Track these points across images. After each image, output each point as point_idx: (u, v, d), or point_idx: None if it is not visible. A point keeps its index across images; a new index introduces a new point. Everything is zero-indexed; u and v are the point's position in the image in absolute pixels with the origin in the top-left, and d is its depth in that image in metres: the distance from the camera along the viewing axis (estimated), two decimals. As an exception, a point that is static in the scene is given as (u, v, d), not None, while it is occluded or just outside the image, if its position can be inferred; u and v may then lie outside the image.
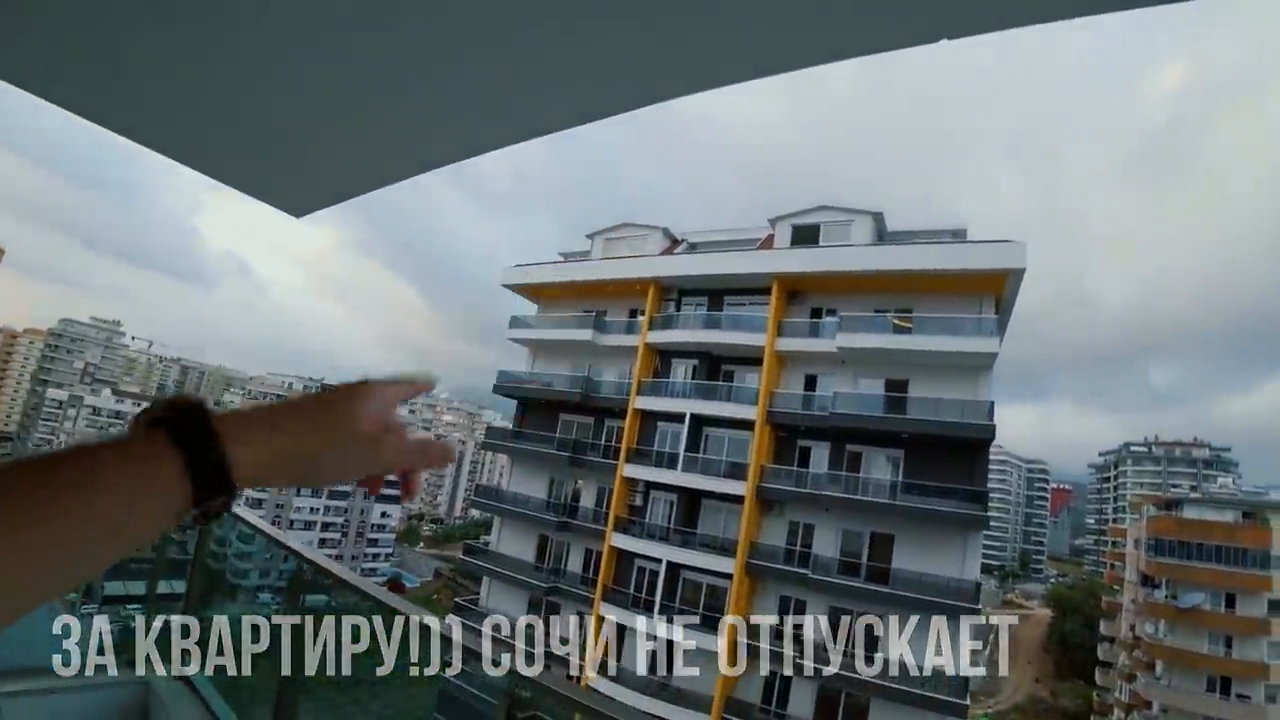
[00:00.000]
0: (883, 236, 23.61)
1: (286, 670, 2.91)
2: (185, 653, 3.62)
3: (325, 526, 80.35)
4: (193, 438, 0.47)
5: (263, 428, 0.54)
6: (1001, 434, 20.69)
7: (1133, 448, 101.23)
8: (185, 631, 3.71)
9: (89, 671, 3.31)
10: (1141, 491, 77.91)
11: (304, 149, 2.07)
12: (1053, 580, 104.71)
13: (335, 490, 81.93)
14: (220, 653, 3.84)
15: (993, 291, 20.57)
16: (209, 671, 3.52)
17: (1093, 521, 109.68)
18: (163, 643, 3.70)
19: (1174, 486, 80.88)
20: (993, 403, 19.85)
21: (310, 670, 3.36)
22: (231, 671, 3.54)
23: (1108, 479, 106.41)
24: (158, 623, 3.83)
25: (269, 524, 3.38)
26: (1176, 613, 38.00)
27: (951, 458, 19.89)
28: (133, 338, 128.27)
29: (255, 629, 3.41)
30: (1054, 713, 60.06)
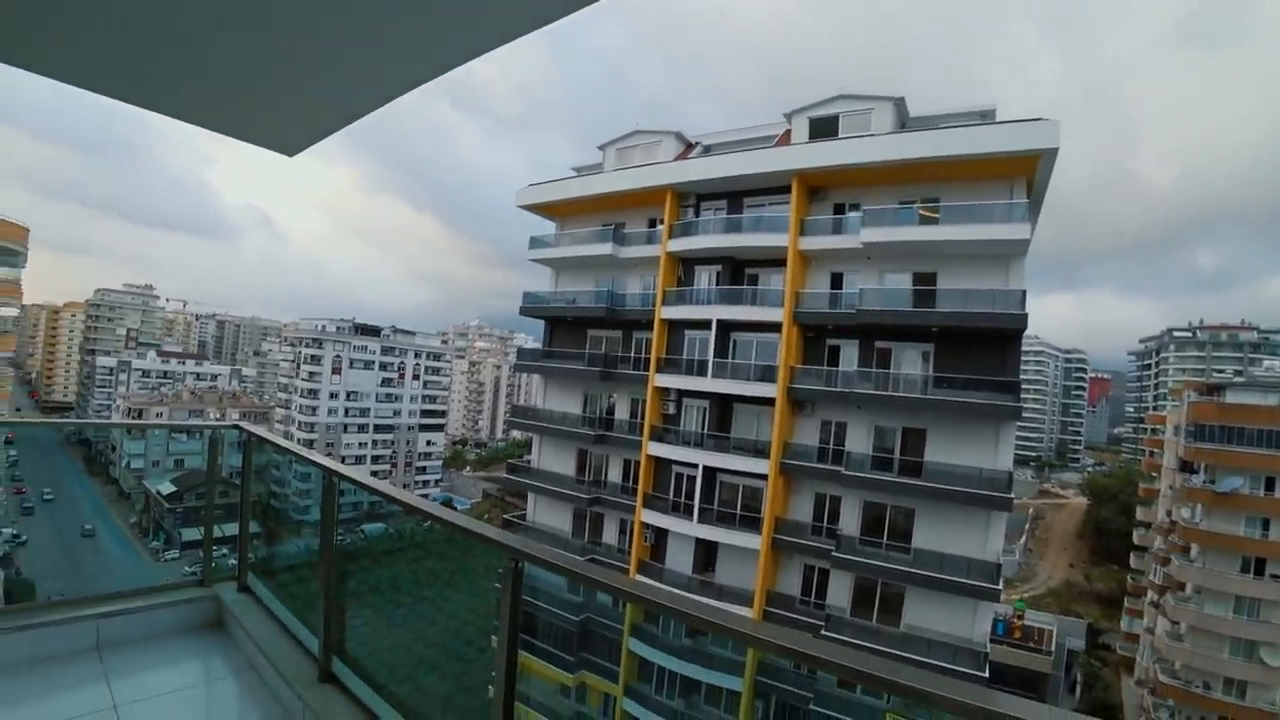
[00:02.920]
0: (905, 124, 22.56)
1: (333, 584, 3.28)
2: (246, 571, 4.26)
3: (375, 459, 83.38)
4: None
5: None
6: (1038, 324, 20.34)
7: (1175, 333, 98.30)
8: (246, 556, 4.34)
9: (169, 596, 4.02)
10: (1184, 378, 76.41)
11: (284, 86, 2.07)
12: (1090, 469, 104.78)
13: (380, 424, 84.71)
14: (274, 569, 4.36)
15: (1024, 175, 19.67)
16: (268, 586, 4.15)
17: (1132, 410, 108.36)
18: (228, 564, 4.42)
19: (1218, 372, 79.00)
20: (1024, 291, 19.33)
21: (356, 583, 3.79)
22: (284, 584, 4.09)
23: (1148, 366, 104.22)
24: (226, 552, 4.56)
25: (324, 456, 3.70)
26: (1214, 497, 37.87)
27: (983, 349, 19.67)
28: (167, 299, 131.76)
29: (308, 549, 3.86)
30: (1089, 596, 61.50)
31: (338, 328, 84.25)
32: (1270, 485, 36.58)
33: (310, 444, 73.58)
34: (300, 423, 79.07)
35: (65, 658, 3.43)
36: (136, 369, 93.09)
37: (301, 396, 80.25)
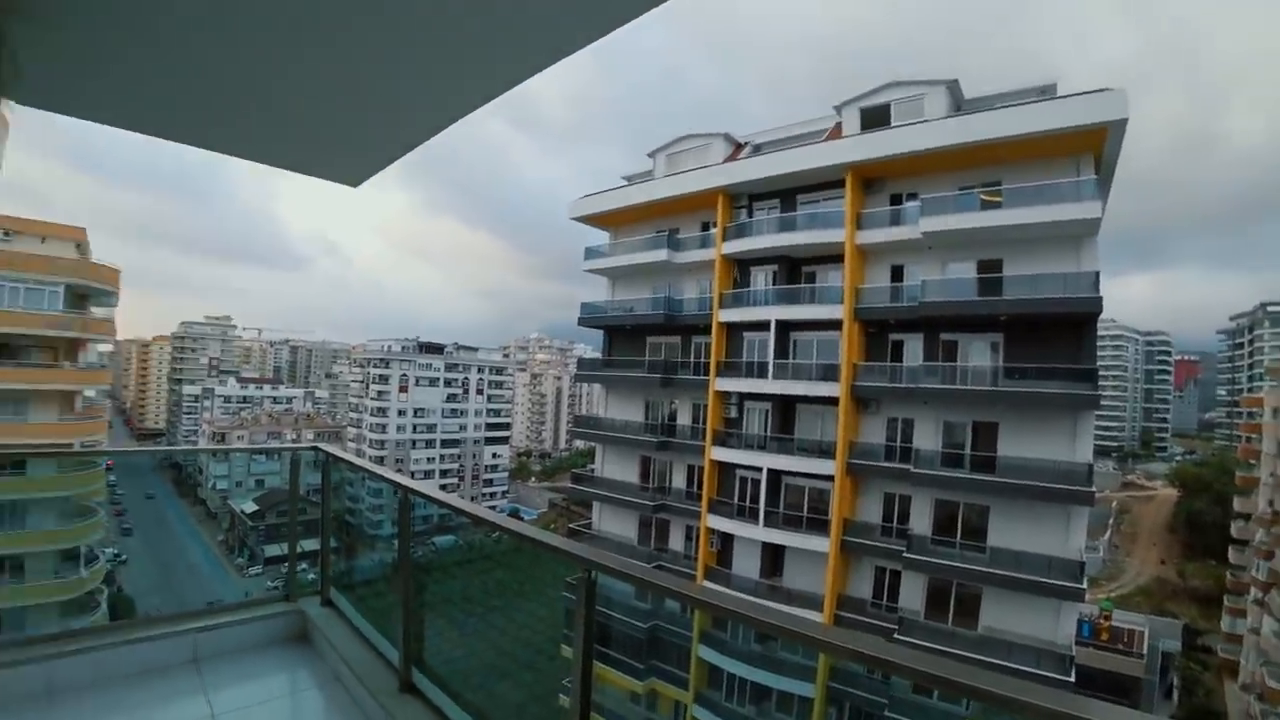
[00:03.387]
0: (960, 107, 21.92)
1: (412, 595, 3.44)
2: (328, 585, 4.47)
3: (443, 474, 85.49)
4: None
5: None
6: (1115, 307, 19.44)
7: (1270, 308, 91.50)
8: (328, 571, 4.54)
9: (258, 611, 4.25)
10: (1280, 356, 71.43)
11: (346, 121, 2.22)
12: (1179, 458, 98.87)
13: (447, 439, 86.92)
14: (354, 584, 4.61)
15: (1091, 150, 18.77)
16: (349, 599, 4.35)
17: (1224, 393, 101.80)
18: (309, 579, 4.66)
19: (1319, 347, 73.69)
20: (1098, 273, 18.45)
21: (431, 595, 3.97)
22: (364, 598, 4.31)
23: (1241, 345, 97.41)
24: (305, 567, 4.81)
25: (395, 472, 3.91)
26: (1323, 481, 35.34)
27: (1055, 336, 18.90)
28: (243, 328, 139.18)
29: (384, 563, 4.09)
30: (1183, 594, 57.92)
31: (403, 347, 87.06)
32: (1385, 469, 33.85)
33: (381, 460, 76.07)
34: (371, 440, 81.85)
35: (165, 670, 3.66)
36: (219, 395, 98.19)
37: (371, 415, 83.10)
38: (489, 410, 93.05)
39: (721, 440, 24.65)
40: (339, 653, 3.71)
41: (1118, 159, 19.92)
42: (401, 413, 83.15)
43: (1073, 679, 17.50)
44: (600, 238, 31.12)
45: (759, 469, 23.31)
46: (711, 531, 24.59)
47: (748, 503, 23.85)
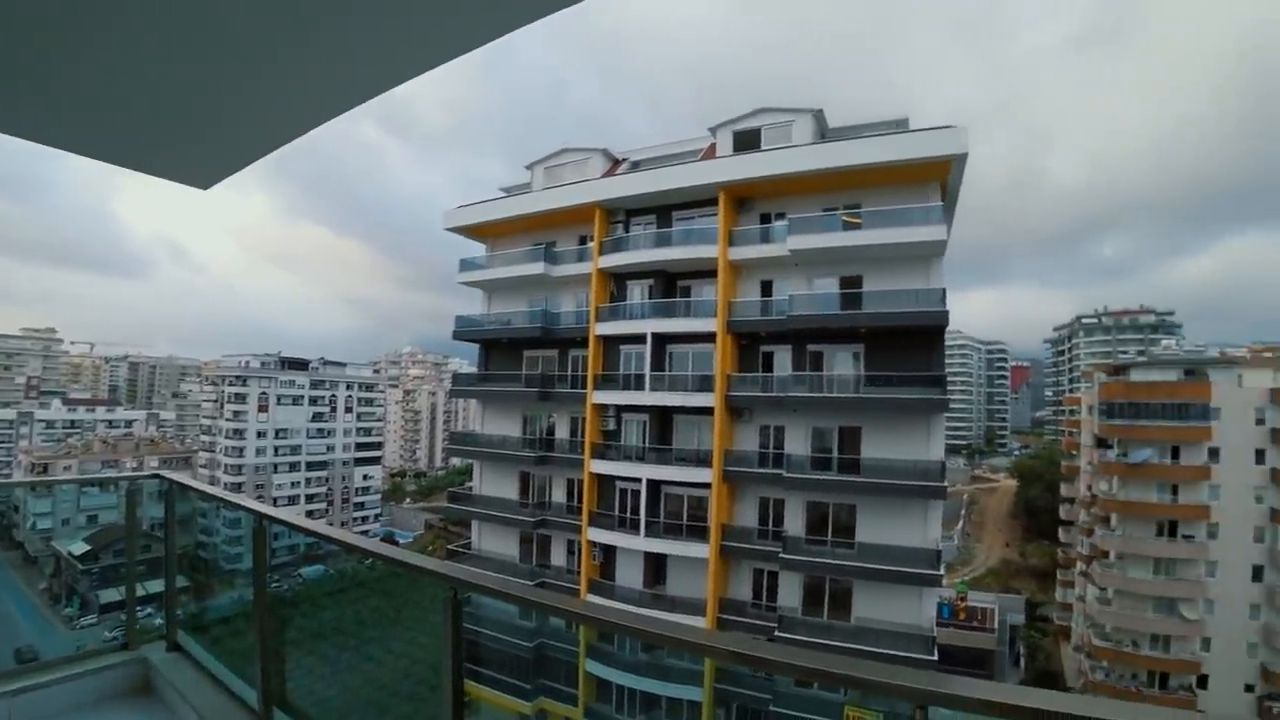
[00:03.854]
0: (825, 134, 23.35)
1: (270, 632, 3.16)
2: (175, 629, 4.00)
3: (309, 499, 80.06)
4: None
5: None
6: (961, 319, 21.31)
7: (1084, 320, 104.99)
8: (175, 613, 4.06)
9: (88, 665, 3.72)
10: (1093, 360, 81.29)
11: (198, 120, 2.04)
12: (1017, 452, 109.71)
13: (313, 461, 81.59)
14: (206, 624, 4.11)
15: (937, 179, 20.63)
16: (200, 642, 3.94)
17: (1050, 394, 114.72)
18: (155, 624, 4.17)
19: (1122, 353, 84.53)
20: (944, 289, 20.23)
21: (297, 630, 3.60)
22: (219, 639, 3.89)
23: (1062, 352, 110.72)
24: (151, 610, 4.27)
25: (251, 499, 3.55)
26: (1128, 469, 40.40)
27: (910, 346, 20.42)
28: (71, 342, 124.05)
29: (243, 600, 3.69)
30: (1025, 572, 64.23)
31: (262, 363, 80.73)
32: (1175, 454, 39.32)
33: (238, 487, 70.21)
34: (226, 465, 75.27)
35: None
36: (40, 420, 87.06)
37: (226, 438, 76.42)
38: (359, 429, 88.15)
39: (600, 453, 24.61)
40: (189, 701, 3.36)
41: (960, 187, 21.93)
42: (261, 434, 77.05)
43: (936, 657, 19.03)
44: (476, 249, 30.33)
45: (639, 480, 23.47)
46: (594, 544, 24.45)
47: (629, 514, 23.94)
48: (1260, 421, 37.58)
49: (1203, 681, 37.32)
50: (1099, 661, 40.43)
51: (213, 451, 79.02)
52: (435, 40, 1.52)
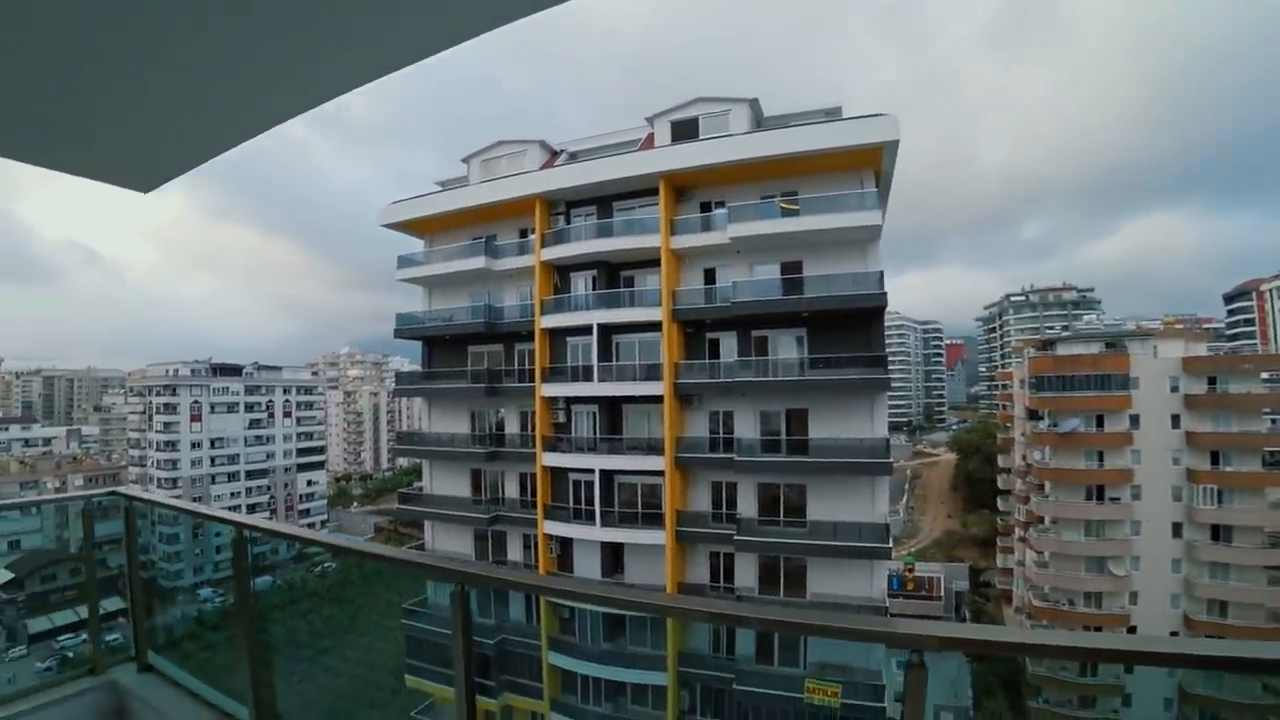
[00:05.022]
0: (761, 123, 23.62)
1: (256, 645, 3.06)
2: (145, 649, 3.79)
3: (251, 508, 77.26)
4: None
5: None
6: (898, 300, 21.97)
7: (1012, 298, 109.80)
8: (141, 630, 3.84)
9: (52, 695, 3.44)
10: (1022, 336, 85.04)
11: (145, 123, 1.97)
12: (955, 427, 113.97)
13: (253, 469, 78.78)
14: (179, 641, 3.93)
15: (871, 166, 21.13)
16: (175, 659, 3.78)
17: (984, 370, 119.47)
18: (122, 644, 3.95)
19: (1049, 328, 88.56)
20: (882, 272, 20.79)
21: (277, 635, 3.48)
22: (192, 655, 3.76)
23: (994, 329, 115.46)
24: (82, 636, 3.99)
25: (227, 510, 3.41)
26: (1058, 438, 42.69)
27: (850, 328, 20.94)
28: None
29: (209, 611, 3.55)
30: (967, 541, 67.00)
31: (192, 370, 77.28)
32: (1100, 422, 41.81)
33: (176, 498, 67.14)
34: (160, 479, 71.98)
35: None
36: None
37: (158, 450, 73.06)
38: (299, 434, 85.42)
39: (552, 446, 24.49)
40: None
41: (893, 173, 22.51)
42: (196, 445, 73.95)
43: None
44: (414, 245, 29.66)
45: (591, 471, 23.44)
46: (550, 537, 24.35)
47: (583, 505, 23.91)
48: (1174, 389, 40.36)
49: (1132, 631, 39.74)
50: (1039, 621, 42.60)
51: (143, 466, 75.39)
52: (389, 46, 1.52)
